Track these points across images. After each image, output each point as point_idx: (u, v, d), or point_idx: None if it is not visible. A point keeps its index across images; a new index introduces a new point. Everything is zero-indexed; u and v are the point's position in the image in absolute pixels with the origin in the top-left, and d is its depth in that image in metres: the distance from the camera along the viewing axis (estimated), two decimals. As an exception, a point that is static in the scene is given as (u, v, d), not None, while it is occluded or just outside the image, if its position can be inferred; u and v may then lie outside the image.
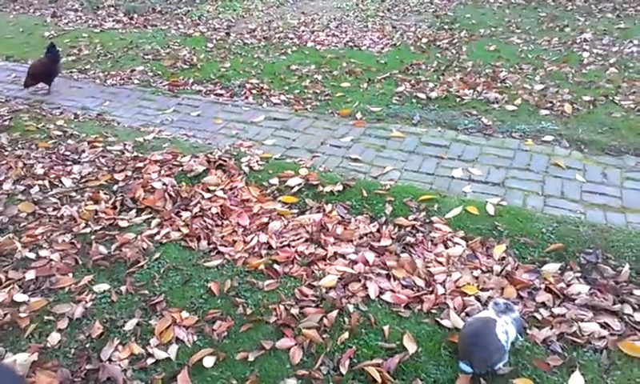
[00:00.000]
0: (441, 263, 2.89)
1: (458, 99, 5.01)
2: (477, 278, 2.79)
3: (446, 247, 3.01)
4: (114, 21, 8.60)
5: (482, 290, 2.70)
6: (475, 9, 8.53)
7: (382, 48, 6.75)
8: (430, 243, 3.05)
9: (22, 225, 3.30)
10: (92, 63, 6.55)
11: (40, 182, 3.72)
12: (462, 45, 6.70)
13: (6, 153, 4.13)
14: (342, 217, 3.31)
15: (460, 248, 2.99)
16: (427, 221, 3.21)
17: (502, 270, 2.80)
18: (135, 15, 8.82)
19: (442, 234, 3.10)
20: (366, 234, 3.13)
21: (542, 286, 2.70)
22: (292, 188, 3.57)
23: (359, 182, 3.62)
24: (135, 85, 5.84)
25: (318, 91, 5.35)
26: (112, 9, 9.30)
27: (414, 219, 3.22)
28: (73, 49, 7.07)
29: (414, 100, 5.06)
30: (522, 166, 3.87)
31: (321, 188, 3.53)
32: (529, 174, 3.77)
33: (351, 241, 3.08)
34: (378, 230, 3.17)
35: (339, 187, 3.51)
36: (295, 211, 3.40)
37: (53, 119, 4.82)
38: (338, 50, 6.75)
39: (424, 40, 6.95)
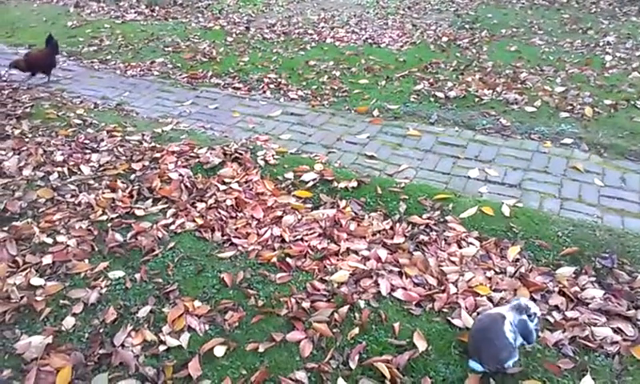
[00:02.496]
0: (454, 263, 2.87)
1: (476, 99, 4.97)
2: (490, 278, 2.77)
3: (460, 247, 2.99)
4: (135, 12, 8.68)
5: (495, 290, 2.68)
6: (497, 9, 8.45)
7: (402, 46, 6.71)
8: (443, 242, 3.04)
9: (40, 210, 3.36)
10: (113, 54, 6.63)
11: (59, 169, 3.77)
12: (483, 44, 6.64)
13: (27, 139, 4.20)
14: (355, 213, 3.32)
15: (474, 248, 2.97)
16: (441, 220, 3.19)
17: (516, 272, 2.78)
18: (157, 7, 8.89)
19: (455, 233, 3.08)
20: (379, 231, 3.13)
21: (556, 289, 2.68)
22: (307, 183, 3.58)
23: (374, 179, 3.62)
24: (155, 76, 5.89)
25: (336, 87, 5.35)
26: (134, 0, 9.39)
27: (428, 218, 3.21)
28: (94, 39, 7.17)
29: (432, 99, 5.04)
30: (539, 168, 3.83)
31: (335, 184, 3.54)
32: (546, 176, 3.73)
33: (364, 237, 3.08)
34: (392, 228, 3.17)
35: (354, 183, 3.51)
36: (309, 206, 3.41)
37: (73, 108, 4.89)
38: (357, 46, 6.73)
39: (444, 39, 6.90)
